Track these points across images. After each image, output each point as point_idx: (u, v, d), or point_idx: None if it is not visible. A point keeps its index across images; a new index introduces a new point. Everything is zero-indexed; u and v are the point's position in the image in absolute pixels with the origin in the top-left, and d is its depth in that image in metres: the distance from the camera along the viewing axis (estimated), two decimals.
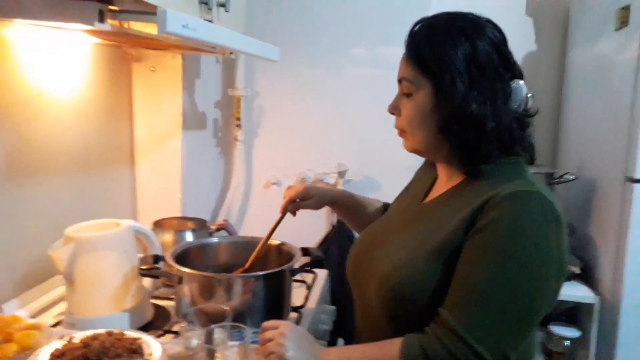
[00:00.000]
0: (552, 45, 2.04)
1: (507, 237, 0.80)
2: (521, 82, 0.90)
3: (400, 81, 0.94)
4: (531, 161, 0.94)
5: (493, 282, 0.79)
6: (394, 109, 0.96)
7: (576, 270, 1.70)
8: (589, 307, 1.64)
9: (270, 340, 0.88)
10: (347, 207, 1.28)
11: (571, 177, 1.76)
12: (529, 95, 0.91)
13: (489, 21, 0.92)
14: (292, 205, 1.22)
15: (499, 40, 0.90)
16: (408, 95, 0.92)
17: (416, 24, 0.93)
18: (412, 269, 0.87)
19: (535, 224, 0.80)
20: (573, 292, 1.66)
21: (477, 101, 0.85)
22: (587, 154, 1.80)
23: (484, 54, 0.87)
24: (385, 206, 1.28)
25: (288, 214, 1.23)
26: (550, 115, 2.07)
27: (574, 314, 1.78)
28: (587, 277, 1.72)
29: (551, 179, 1.81)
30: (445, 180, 0.98)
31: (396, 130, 0.97)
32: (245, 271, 1.23)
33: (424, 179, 1.09)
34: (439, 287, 0.84)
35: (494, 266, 0.79)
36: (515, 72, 0.91)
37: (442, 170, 1.00)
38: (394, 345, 0.83)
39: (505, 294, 0.79)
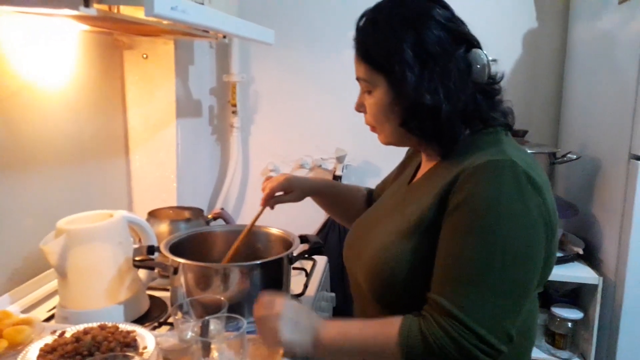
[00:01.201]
0: (553, 21, 2.00)
1: (484, 211, 0.78)
2: (478, 50, 0.87)
3: (358, 80, 0.93)
4: (509, 127, 0.92)
5: (480, 259, 0.77)
6: (360, 107, 0.96)
7: (579, 250, 1.68)
8: (592, 288, 1.62)
9: (265, 317, 0.86)
10: (331, 197, 1.26)
11: (574, 157, 1.73)
12: (490, 60, 0.87)
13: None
14: (274, 200, 1.19)
15: (446, 18, 0.87)
16: (369, 92, 0.92)
17: (361, 18, 0.91)
18: (393, 249, 0.87)
19: (510, 193, 0.78)
20: (576, 273, 1.64)
21: (429, 89, 0.83)
22: (590, 133, 1.76)
23: (431, 38, 0.84)
24: (369, 191, 1.27)
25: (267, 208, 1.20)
26: (552, 94, 2.04)
27: (576, 295, 1.76)
28: (590, 257, 1.70)
29: (554, 159, 1.77)
30: (426, 161, 0.98)
31: None
32: None
33: (412, 162, 1.09)
34: (421, 266, 0.83)
35: (477, 243, 0.77)
36: (471, 41, 0.88)
37: (422, 153, 1.00)
38: (393, 326, 0.80)
39: (494, 269, 0.77)
